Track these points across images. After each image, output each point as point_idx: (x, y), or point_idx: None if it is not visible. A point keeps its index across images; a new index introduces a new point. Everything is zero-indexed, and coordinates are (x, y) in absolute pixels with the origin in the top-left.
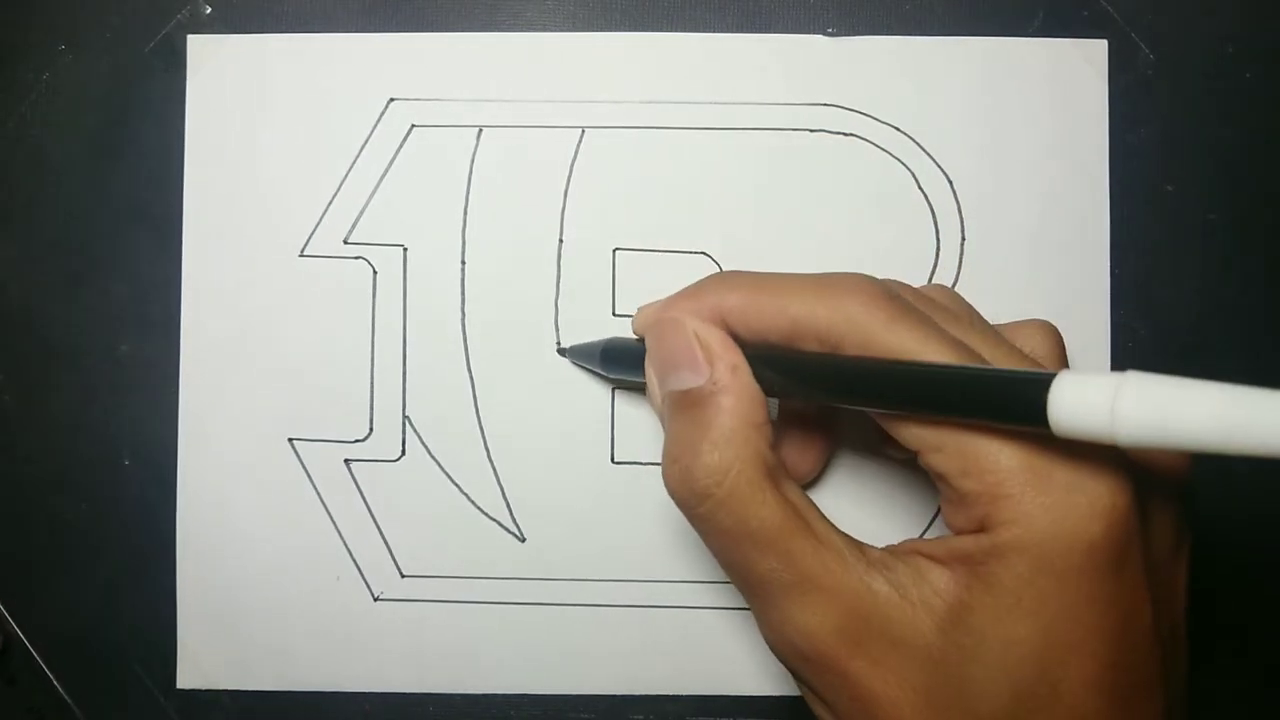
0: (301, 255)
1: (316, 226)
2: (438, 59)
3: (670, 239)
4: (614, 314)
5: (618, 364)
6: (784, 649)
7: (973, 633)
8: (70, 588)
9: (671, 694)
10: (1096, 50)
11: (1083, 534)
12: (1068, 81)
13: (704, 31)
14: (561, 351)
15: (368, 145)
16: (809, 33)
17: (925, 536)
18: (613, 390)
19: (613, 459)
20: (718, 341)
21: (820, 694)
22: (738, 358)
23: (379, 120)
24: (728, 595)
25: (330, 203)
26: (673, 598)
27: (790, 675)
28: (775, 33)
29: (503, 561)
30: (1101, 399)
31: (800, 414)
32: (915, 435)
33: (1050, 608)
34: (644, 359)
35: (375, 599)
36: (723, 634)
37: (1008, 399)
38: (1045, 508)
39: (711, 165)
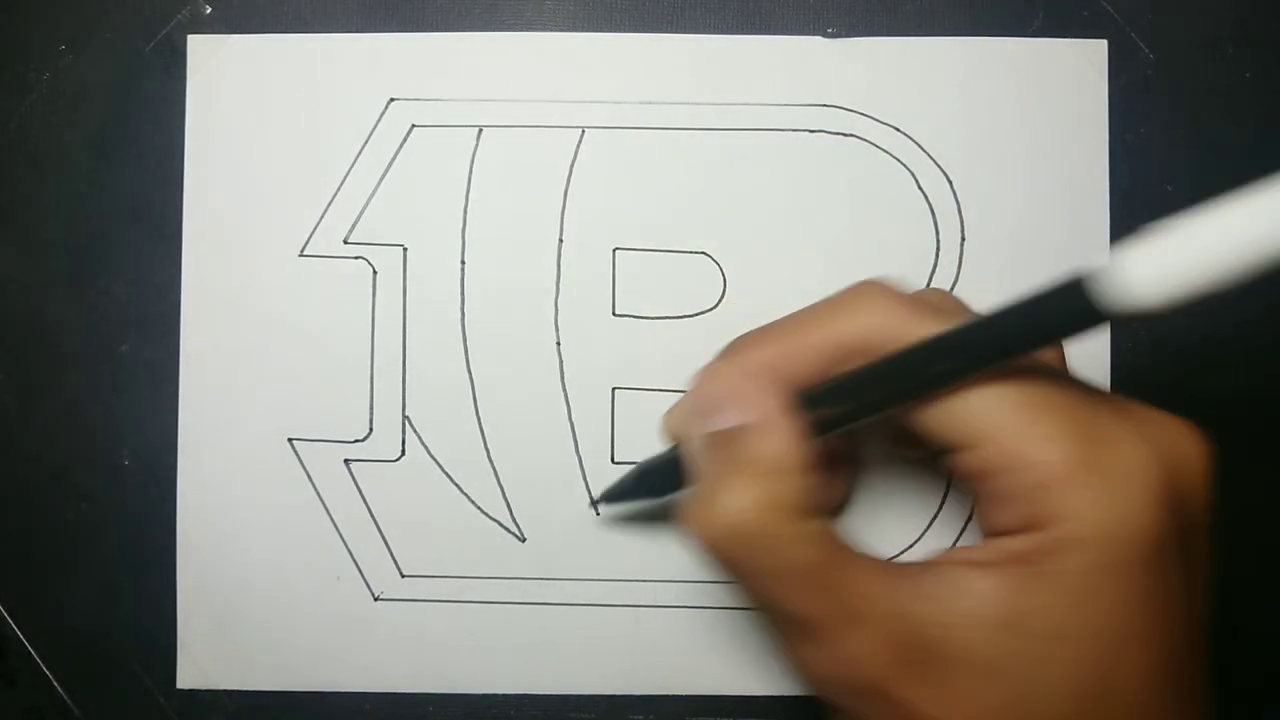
0: (301, 255)
1: (316, 226)
2: (438, 59)
3: (670, 239)
4: (614, 314)
5: (655, 481)
6: (832, 684)
7: (1030, 636)
8: (70, 588)
9: (671, 694)
10: (1096, 50)
11: (1142, 523)
12: (1068, 81)
13: (704, 32)
14: (596, 508)
15: (368, 145)
16: (809, 33)
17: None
18: (613, 390)
19: (613, 459)
20: (758, 385)
21: (864, 719)
22: (779, 399)
23: (379, 120)
24: (728, 595)
25: (330, 203)
26: (673, 598)
27: (825, 704)
28: (775, 34)
29: (503, 561)
30: (1163, 257)
31: (824, 449)
32: (954, 433)
33: (1111, 601)
34: (680, 464)
35: (375, 599)
36: (723, 634)
37: (1065, 310)
38: (1098, 498)
39: (711, 166)
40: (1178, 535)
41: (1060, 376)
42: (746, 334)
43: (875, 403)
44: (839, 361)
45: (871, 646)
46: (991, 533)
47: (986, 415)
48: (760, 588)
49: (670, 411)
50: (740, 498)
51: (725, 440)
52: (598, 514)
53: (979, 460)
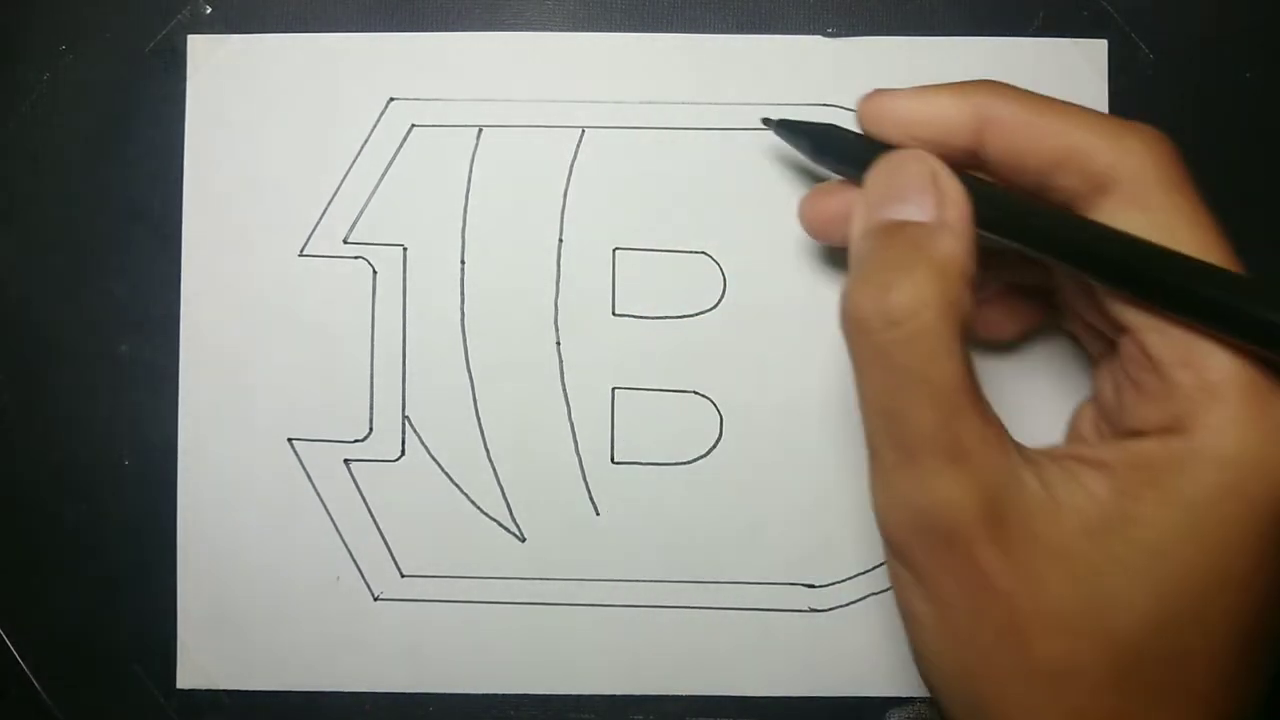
0: (301, 255)
1: (316, 226)
2: (438, 59)
3: (670, 239)
4: (614, 314)
5: (833, 154)
6: (906, 516)
7: (1129, 543)
8: (70, 588)
9: (671, 694)
10: (1096, 50)
11: None
12: (1068, 81)
13: (704, 32)
14: (767, 121)
15: (368, 145)
16: (809, 33)
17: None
18: (612, 390)
19: (613, 459)
20: (955, 188)
21: (925, 574)
22: (970, 208)
23: (379, 120)
24: (727, 595)
25: (330, 202)
26: (673, 598)
27: (886, 556)
28: (775, 33)
29: (503, 561)
30: None
31: (1018, 274)
32: (1138, 314)
33: (1227, 534)
34: (866, 155)
35: (375, 599)
36: (723, 634)
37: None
38: (1260, 424)
39: (711, 165)
40: None
41: None
42: (997, 82)
43: (1061, 255)
44: (1065, 172)
45: (964, 490)
46: (1127, 430)
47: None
48: (893, 387)
49: (875, 98)
50: (918, 291)
51: (906, 232)
52: (767, 124)
53: (1160, 346)
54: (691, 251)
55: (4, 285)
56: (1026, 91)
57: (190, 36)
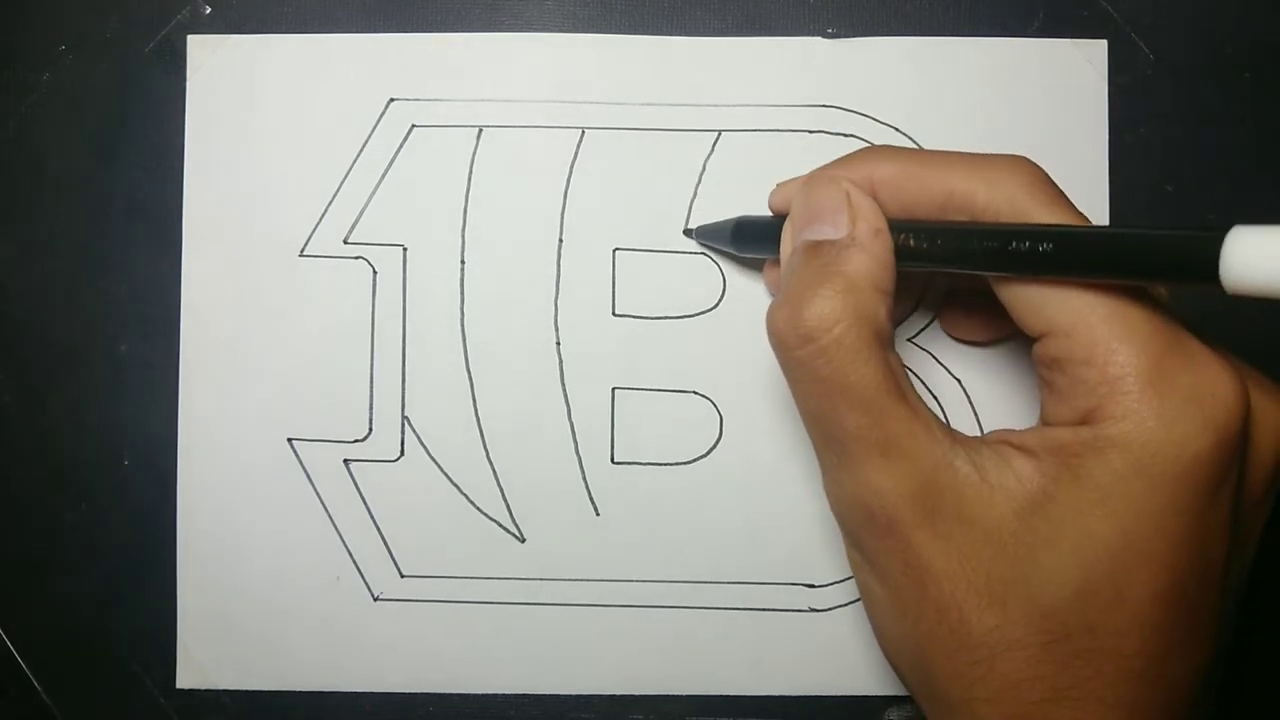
0: (301, 255)
1: (316, 226)
2: (438, 59)
3: (670, 239)
4: (614, 314)
5: (750, 239)
6: (850, 508)
7: (1051, 521)
8: (70, 588)
9: (671, 694)
10: (1096, 50)
11: (1190, 444)
12: (1068, 81)
13: (704, 33)
14: (688, 232)
15: (368, 145)
16: (809, 34)
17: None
18: (612, 390)
19: (613, 459)
20: (867, 205)
21: (873, 559)
22: (882, 223)
23: (379, 120)
24: (727, 595)
25: (330, 203)
26: (673, 598)
27: (845, 544)
28: (775, 35)
29: (503, 561)
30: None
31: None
32: (1045, 318)
33: (1136, 510)
34: (777, 232)
35: (375, 599)
36: (723, 634)
37: (1180, 256)
38: (1158, 410)
39: (711, 167)
40: (1228, 478)
41: (1162, 304)
42: (879, 146)
43: (973, 256)
44: (951, 214)
45: (896, 480)
46: (1048, 422)
47: (1079, 308)
48: (818, 395)
49: (781, 186)
50: (828, 307)
51: (821, 251)
52: (689, 235)
53: (1058, 348)
54: (691, 252)
55: (4, 285)
56: (906, 149)
57: (190, 36)
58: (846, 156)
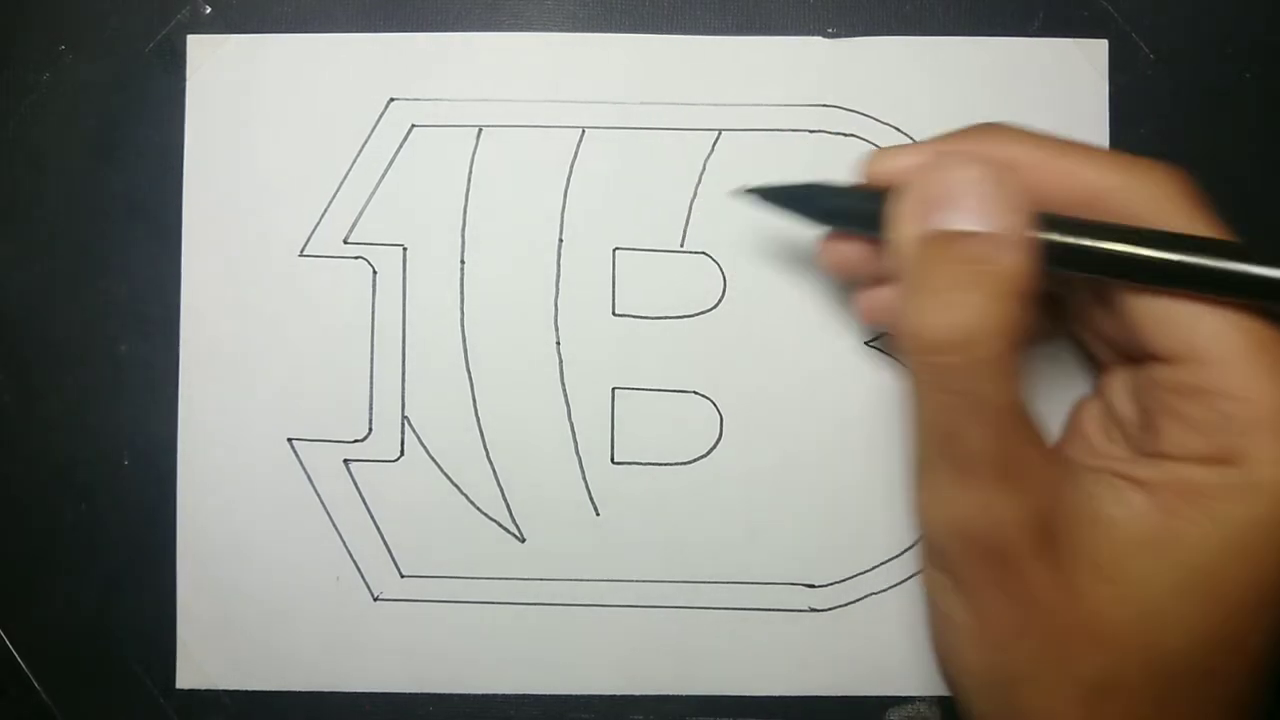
0: (301, 255)
1: (316, 226)
2: (438, 59)
3: (670, 239)
4: (614, 314)
5: (826, 210)
6: (952, 530)
7: (1176, 565)
8: (70, 588)
9: (671, 694)
10: (1096, 50)
11: None
12: (1068, 81)
13: (704, 33)
14: (746, 192)
15: (368, 145)
16: (809, 34)
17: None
18: (612, 390)
19: (613, 459)
20: (1015, 194)
21: (969, 585)
22: (1027, 217)
23: (379, 120)
24: (727, 595)
25: (330, 203)
26: (673, 598)
27: (924, 560)
28: (775, 34)
29: (503, 561)
30: None
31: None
32: (1188, 342)
33: (1276, 561)
34: (871, 205)
35: (375, 599)
36: (723, 634)
37: None
38: None
39: (711, 166)
40: None
41: None
42: (1008, 125)
43: (1137, 265)
44: (1089, 211)
45: (1019, 509)
46: (1162, 453)
47: (1215, 335)
48: (948, 407)
49: (885, 154)
50: (976, 315)
51: (961, 245)
52: (749, 193)
53: (1189, 376)
54: (691, 251)
55: (4, 285)
56: (1034, 133)
57: (190, 36)
58: (964, 131)
